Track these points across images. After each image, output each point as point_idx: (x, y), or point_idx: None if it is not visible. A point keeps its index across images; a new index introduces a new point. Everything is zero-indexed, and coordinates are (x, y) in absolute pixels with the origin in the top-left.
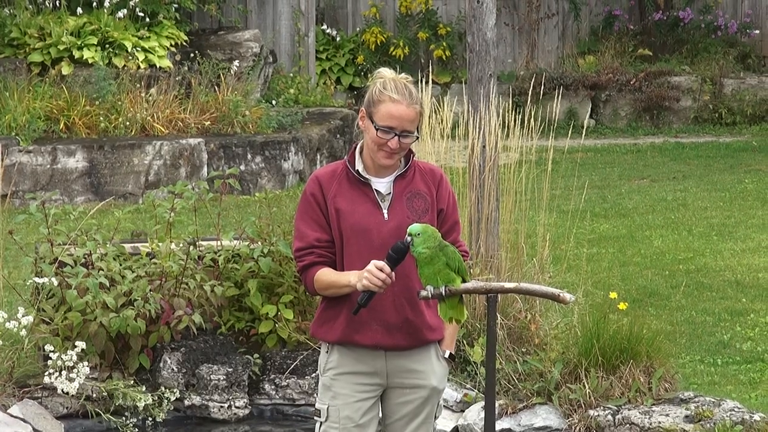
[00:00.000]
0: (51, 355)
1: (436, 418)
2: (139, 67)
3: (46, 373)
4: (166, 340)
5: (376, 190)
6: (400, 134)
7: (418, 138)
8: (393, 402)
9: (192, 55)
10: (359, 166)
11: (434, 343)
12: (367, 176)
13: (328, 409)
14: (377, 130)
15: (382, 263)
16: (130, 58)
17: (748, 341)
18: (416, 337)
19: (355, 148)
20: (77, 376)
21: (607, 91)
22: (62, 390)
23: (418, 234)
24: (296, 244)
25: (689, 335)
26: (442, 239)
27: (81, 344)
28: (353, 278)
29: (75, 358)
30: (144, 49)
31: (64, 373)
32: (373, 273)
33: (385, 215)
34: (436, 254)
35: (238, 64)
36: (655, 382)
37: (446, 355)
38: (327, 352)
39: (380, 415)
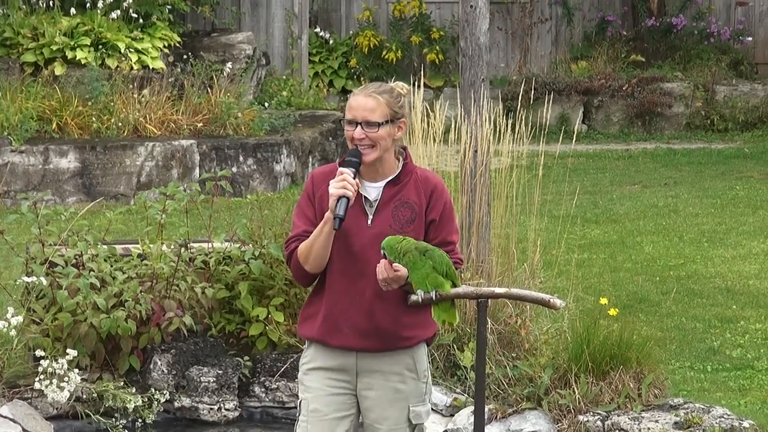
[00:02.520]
0: (42, 362)
1: (414, 426)
2: (132, 68)
3: (37, 379)
4: (156, 341)
5: (364, 196)
6: (362, 123)
7: (381, 125)
8: (363, 405)
9: (185, 56)
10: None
11: (410, 350)
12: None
13: (300, 402)
14: (347, 124)
15: (345, 169)
16: (123, 59)
17: (738, 348)
18: (388, 342)
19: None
20: (68, 384)
21: (599, 97)
22: (53, 398)
23: (383, 249)
24: (289, 235)
25: (679, 341)
26: (427, 244)
27: (72, 352)
28: (327, 213)
29: (66, 366)
30: (137, 50)
31: (54, 381)
32: (338, 179)
33: (369, 221)
34: (419, 259)
35: (230, 66)
36: (645, 388)
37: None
38: (306, 347)
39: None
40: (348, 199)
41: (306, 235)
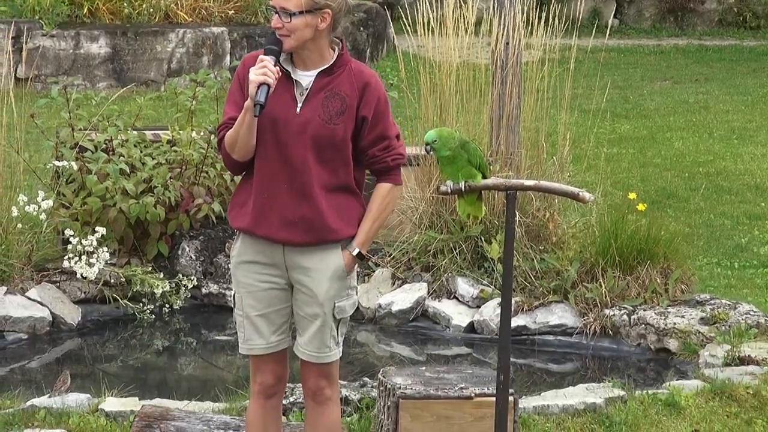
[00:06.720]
0: (71, 239)
1: (339, 331)
2: None
3: (66, 257)
4: (184, 228)
5: (296, 80)
6: (279, 11)
7: (294, 15)
8: (293, 298)
9: None
10: (283, 56)
11: (337, 246)
12: (287, 67)
13: (234, 296)
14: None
15: (265, 57)
16: None
17: (766, 245)
18: (314, 235)
19: None
20: (97, 261)
21: None
22: (81, 275)
23: (435, 140)
24: (220, 122)
25: (707, 238)
26: (463, 135)
27: (101, 230)
28: (247, 101)
29: (95, 243)
30: None
31: (84, 258)
32: (258, 66)
33: (298, 108)
34: (458, 153)
35: None
36: (672, 284)
37: (354, 253)
38: (236, 238)
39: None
40: (269, 86)
41: (234, 122)
